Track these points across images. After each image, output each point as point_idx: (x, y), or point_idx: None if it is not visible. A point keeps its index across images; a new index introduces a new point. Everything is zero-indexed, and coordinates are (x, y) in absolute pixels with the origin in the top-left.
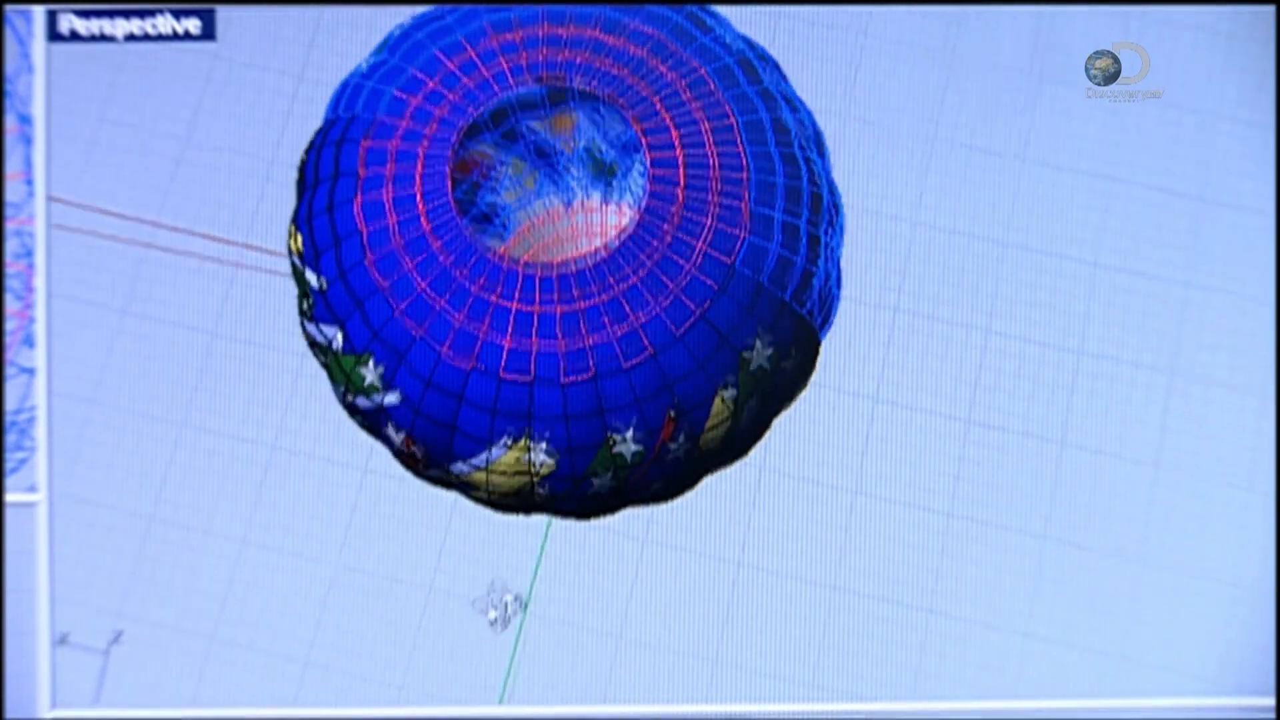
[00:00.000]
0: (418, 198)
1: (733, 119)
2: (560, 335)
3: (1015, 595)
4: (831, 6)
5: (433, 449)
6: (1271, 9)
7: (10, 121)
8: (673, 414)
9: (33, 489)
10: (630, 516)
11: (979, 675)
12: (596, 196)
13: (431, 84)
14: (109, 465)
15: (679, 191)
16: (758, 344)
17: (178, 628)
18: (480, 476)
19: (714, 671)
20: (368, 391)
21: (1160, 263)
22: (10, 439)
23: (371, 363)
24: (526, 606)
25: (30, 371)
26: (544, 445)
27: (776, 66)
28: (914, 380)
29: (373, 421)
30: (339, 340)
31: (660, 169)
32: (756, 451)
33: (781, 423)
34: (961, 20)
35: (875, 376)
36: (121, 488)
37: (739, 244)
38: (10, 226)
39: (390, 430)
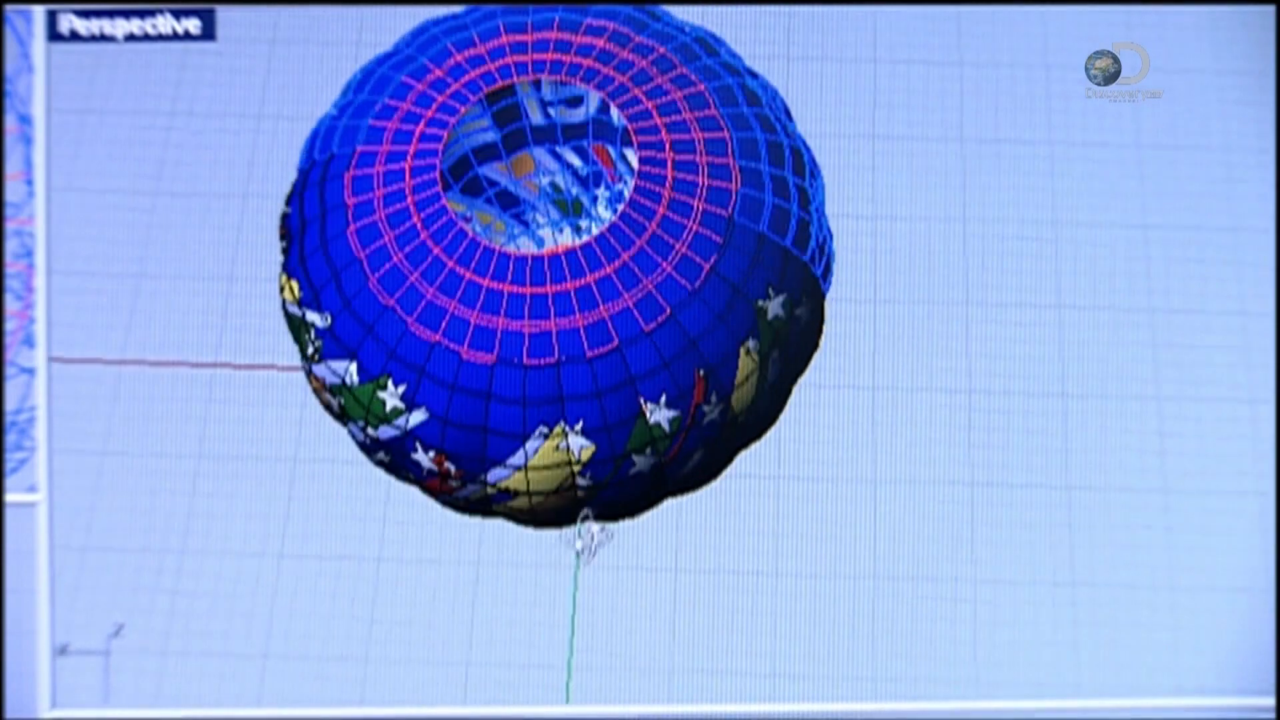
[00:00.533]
0: (411, 210)
1: (702, 86)
2: (578, 311)
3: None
4: (830, 7)
5: (467, 460)
6: (1271, 9)
7: (10, 121)
8: (701, 372)
9: (33, 489)
10: (658, 548)
11: (979, 676)
12: (568, 232)
13: (405, 106)
14: (108, 469)
15: (667, 157)
16: (770, 292)
17: (227, 646)
18: (519, 479)
19: (773, 683)
20: (390, 417)
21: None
22: (10, 439)
23: (391, 384)
24: (613, 536)
25: (30, 371)
26: (580, 427)
27: (730, 49)
28: (909, 364)
29: (397, 452)
30: (353, 373)
31: (644, 136)
32: (771, 461)
33: (788, 427)
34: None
35: (870, 368)
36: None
37: (733, 197)
38: (10, 226)
39: (418, 454)
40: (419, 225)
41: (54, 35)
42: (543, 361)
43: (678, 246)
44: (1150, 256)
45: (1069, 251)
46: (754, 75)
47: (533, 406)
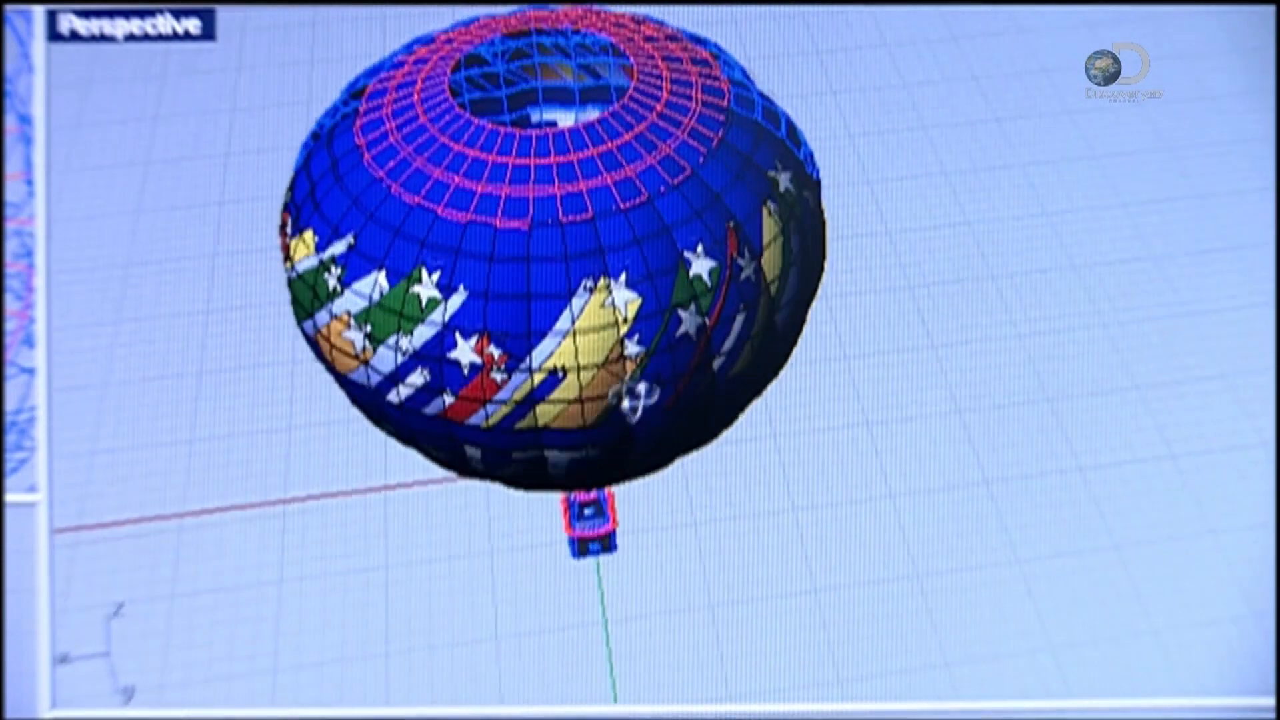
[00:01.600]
0: (426, 126)
1: (674, 30)
2: (604, 171)
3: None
4: (828, 8)
5: (513, 338)
6: (1271, 9)
7: (10, 121)
8: (731, 224)
9: (33, 489)
10: (687, 578)
11: (979, 674)
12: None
13: (413, 57)
14: (108, 466)
15: (660, 65)
16: (778, 165)
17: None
18: (567, 348)
19: (842, 689)
20: (427, 311)
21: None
22: (10, 439)
23: (425, 274)
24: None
25: (30, 371)
26: (623, 279)
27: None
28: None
29: (434, 362)
30: (381, 282)
31: (638, 59)
32: (781, 489)
33: (795, 455)
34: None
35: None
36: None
37: (727, 93)
38: (10, 226)
39: (459, 350)
40: (436, 134)
41: (54, 35)
42: (578, 217)
43: (686, 121)
44: None
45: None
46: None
47: (574, 260)
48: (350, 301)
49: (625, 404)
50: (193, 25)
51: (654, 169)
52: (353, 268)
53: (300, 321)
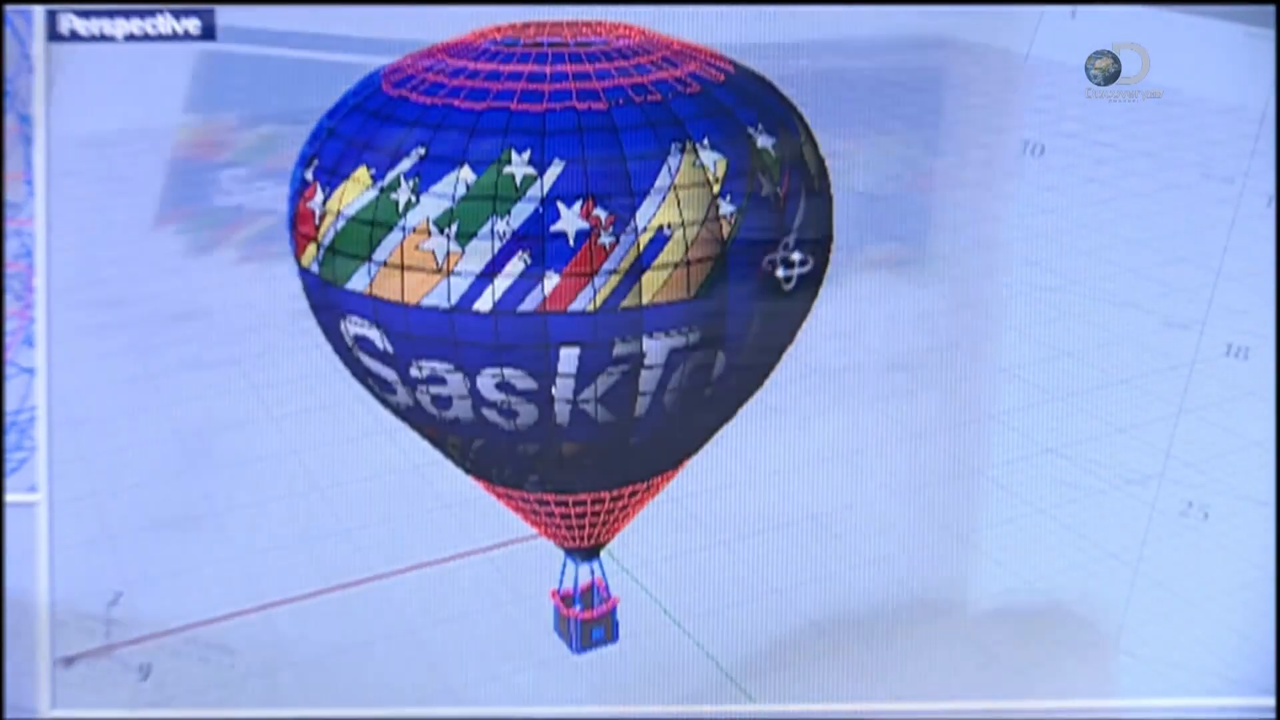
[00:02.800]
0: (454, 63)
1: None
2: (655, 70)
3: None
4: (824, 6)
5: (616, 198)
6: (1271, 9)
7: (10, 121)
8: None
9: (33, 489)
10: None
11: (979, 675)
12: None
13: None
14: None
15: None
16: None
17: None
18: (671, 203)
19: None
20: (524, 187)
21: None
22: (10, 439)
23: (515, 154)
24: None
25: (30, 371)
26: (706, 142)
27: None
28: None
29: (535, 240)
30: (467, 175)
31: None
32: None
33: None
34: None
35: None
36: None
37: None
38: (10, 226)
39: (564, 219)
40: (479, 68)
41: (54, 35)
42: (650, 98)
43: (702, 53)
44: None
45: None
46: None
47: (660, 127)
48: (430, 207)
49: (780, 272)
50: (193, 25)
51: (695, 72)
52: (428, 174)
53: (343, 284)
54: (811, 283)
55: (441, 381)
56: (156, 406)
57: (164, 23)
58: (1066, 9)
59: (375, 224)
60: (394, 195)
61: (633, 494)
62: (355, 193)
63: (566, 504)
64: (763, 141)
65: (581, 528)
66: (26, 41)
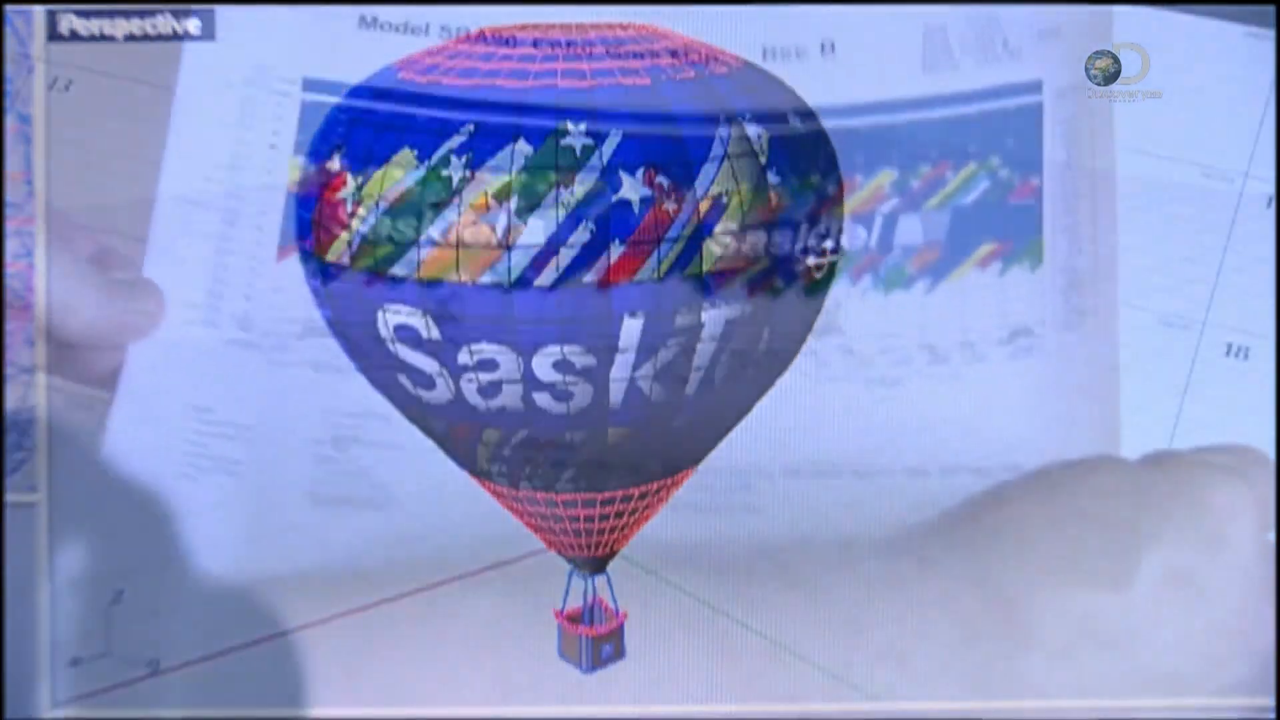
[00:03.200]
0: (481, 61)
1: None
2: (666, 55)
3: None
4: (821, 7)
5: (676, 166)
6: (1271, 9)
7: (10, 121)
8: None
9: (33, 489)
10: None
11: (978, 675)
12: None
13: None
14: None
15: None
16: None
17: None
18: (726, 171)
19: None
20: (584, 158)
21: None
22: (10, 439)
23: (571, 125)
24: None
25: (30, 371)
26: (750, 116)
27: None
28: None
29: (601, 206)
30: (521, 148)
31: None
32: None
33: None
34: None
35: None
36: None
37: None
38: (10, 226)
39: (627, 187)
40: (504, 58)
41: (54, 35)
42: (688, 75)
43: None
44: None
45: None
46: None
47: (705, 100)
48: (486, 181)
49: (811, 260)
50: (193, 25)
51: (716, 57)
52: (481, 149)
53: (385, 271)
54: (829, 276)
55: (493, 366)
56: None
57: (164, 23)
58: None
59: (424, 204)
60: (445, 172)
61: (658, 490)
62: (398, 175)
63: (595, 504)
64: (794, 122)
65: (602, 532)
66: (26, 41)
